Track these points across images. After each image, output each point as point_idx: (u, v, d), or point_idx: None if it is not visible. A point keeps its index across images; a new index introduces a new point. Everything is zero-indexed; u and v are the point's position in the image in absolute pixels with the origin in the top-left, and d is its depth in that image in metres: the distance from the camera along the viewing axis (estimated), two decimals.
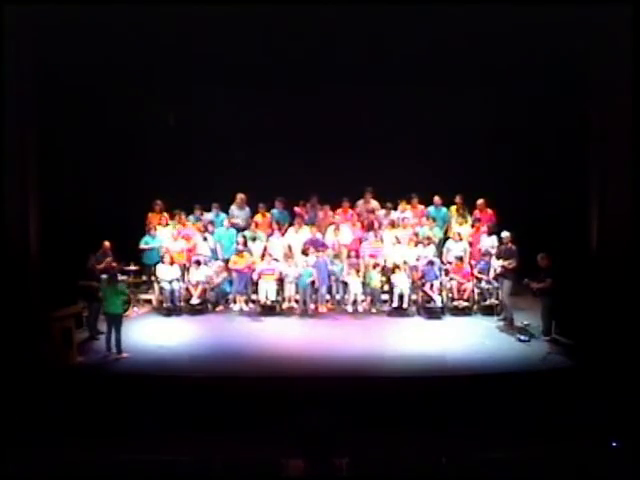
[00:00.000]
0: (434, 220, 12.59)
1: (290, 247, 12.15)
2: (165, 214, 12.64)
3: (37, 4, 9.54)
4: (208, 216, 12.83)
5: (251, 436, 8.31)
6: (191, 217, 12.83)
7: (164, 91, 12.79)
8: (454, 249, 12.09)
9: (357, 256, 12.21)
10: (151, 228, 12.40)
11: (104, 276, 10.72)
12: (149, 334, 10.88)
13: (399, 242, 12.12)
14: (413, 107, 12.88)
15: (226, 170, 13.02)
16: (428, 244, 12.10)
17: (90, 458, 7.76)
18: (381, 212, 12.83)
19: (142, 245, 12.30)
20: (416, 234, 12.31)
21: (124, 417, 8.65)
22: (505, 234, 11.38)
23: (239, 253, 12.04)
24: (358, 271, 11.86)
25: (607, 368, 9.07)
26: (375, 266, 11.83)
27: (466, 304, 11.65)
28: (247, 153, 13.12)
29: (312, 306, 11.91)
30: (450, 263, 11.98)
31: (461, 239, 12.14)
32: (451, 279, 11.74)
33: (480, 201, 12.51)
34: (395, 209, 12.88)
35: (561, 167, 11.58)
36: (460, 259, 11.82)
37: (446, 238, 12.54)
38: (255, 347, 10.36)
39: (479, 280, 11.70)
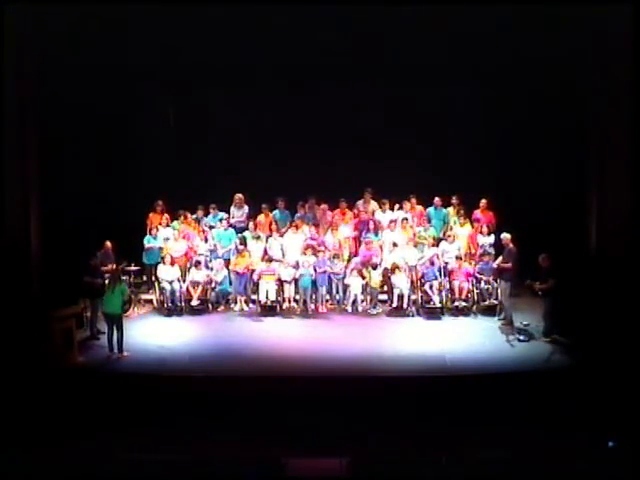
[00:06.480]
0: (429, 221, 12.60)
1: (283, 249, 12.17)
2: (166, 215, 12.64)
3: (37, 4, 9.55)
4: (207, 217, 12.84)
5: (251, 436, 8.30)
6: (193, 216, 12.83)
7: (165, 91, 12.80)
8: (449, 251, 12.07)
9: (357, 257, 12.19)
10: (152, 228, 12.40)
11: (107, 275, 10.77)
12: (150, 334, 10.90)
13: (396, 244, 12.08)
14: (413, 107, 12.89)
15: (226, 170, 13.03)
16: (433, 245, 12.12)
17: (90, 458, 7.78)
18: (380, 212, 12.79)
19: (146, 243, 12.30)
20: (415, 235, 12.28)
21: (124, 417, 8.64)
22: (504, 235, 11.33)
23: (239, 254, 12.05)
24: (360, 272, 11.84)
25: (607, 368, 9.08)
26: (375, 266, 11.81)
27: (465, 304, 11.64)
28: (247, 153, 13.12)
29: (312, 306, 11.93)
30: (447, 264, 11.96)
31: (454, 240, 12.14)
32: (449, 280, 11.74)
33: (482, 201, 12.50)
34: (392, 209, 12.84)
35: (561, 167, 11.58)
36: (459, 258, 11.81)
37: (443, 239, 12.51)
38: (255, 347, 10.38)
39: (478, 280, 11.70)
